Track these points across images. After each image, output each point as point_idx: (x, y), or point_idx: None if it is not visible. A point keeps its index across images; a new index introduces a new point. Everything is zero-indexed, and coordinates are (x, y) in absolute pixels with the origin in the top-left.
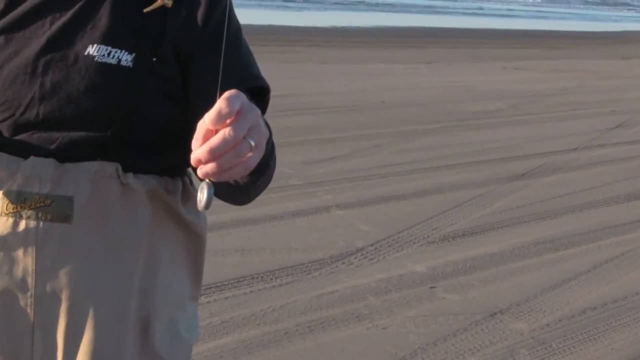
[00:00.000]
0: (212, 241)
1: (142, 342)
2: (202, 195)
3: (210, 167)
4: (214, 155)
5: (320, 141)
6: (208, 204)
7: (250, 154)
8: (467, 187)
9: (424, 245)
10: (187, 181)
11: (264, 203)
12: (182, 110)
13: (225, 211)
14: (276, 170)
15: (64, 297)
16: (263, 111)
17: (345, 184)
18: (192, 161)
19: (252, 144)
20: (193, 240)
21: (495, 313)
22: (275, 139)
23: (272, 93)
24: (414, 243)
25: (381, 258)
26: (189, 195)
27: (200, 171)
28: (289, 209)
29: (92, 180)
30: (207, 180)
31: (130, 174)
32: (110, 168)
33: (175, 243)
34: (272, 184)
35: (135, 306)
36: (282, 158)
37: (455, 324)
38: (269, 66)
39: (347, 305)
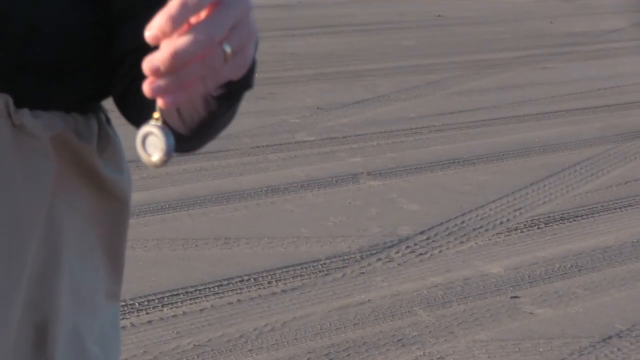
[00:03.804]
0: (180, 225)
1: (36, 358)
2: (156, 142)
3: (167, 80)
4: (180, 61)
5: (344, 76)
6: (164, 158)
7: (221, 67)
8: (568, 147)
9: (501, 234)
10: (104, 120)
11: (258, 168)
12: (96, 14)
13: (199, 180)
14: (277, 119)
15: None
16: None
17: (381, 141)
18: (148, 69)
19: (228, 51)
20: (112, 207)
21: (611, 337)
22: (275, 72)
23: (267, 1)
24: (486, 231)
25: (437, 253)
26: (108, 140)
27: (152, 85)
28: (297, 177)
29: None
30: (156, 120)
31: (26, 111)
32: None
33: (85, 212)
34: (270, 139)
35: (27, 303)
36: (285, 101)
37: (550, 352)
38: None
39: (384, 323)
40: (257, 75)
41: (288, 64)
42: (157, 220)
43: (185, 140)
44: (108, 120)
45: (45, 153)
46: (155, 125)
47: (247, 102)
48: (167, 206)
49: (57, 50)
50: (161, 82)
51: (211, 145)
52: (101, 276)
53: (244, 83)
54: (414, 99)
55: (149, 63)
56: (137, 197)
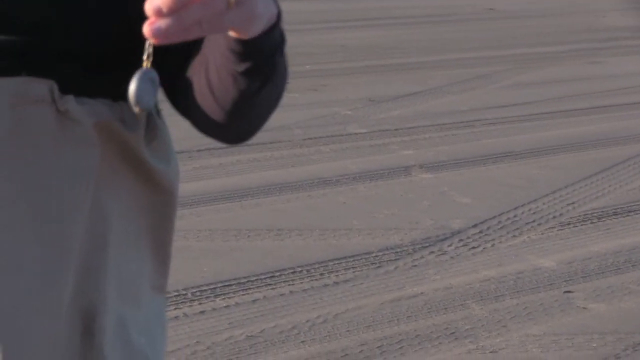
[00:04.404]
0: (232, 216)
1: (85, 347)
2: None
3: (168, 22)
4: (181, 1)
5: (395, 68)
6: (143, 100)
7: (223, 12)
8: (621, 142)
9: (554, 228)
10: (153, 109)
11: (310, 160)
12: (138, 7)
13: (251, 171)
14: (328, 111)
15: None
16: None
17: (433, 134)
18: (150, 10)
19: None
20: (158, 198)
21: None
22: (325, 64)
23: None
24: (539, 225)
25: (489, 247)
26: (156, 130)
27: (152, 26)
28: (349, 169)
29: (14, 105)
30: (145, 65)
31: (71, 97)
32: (41, 88)
33: (130, 201)
34: (321, 131)
35: (76, 291)
36: (336, 93)
37: (603, 347)
38: None
39: (437, 316)
40: (308, 67)
41: (339, 55)
42: (209, 210)
43: (226, 126)
44: (158, 110)
45: (90, 139)
46: (142, 69)
47: (299, 94)
48: (220, 197)
49: (99, 41)
50: (162, 23)
51: (263, 137)
52: (146, 267)
53: (266, 56)
54: (465, 92)
55: (151, 3)
56: (189, 188)
